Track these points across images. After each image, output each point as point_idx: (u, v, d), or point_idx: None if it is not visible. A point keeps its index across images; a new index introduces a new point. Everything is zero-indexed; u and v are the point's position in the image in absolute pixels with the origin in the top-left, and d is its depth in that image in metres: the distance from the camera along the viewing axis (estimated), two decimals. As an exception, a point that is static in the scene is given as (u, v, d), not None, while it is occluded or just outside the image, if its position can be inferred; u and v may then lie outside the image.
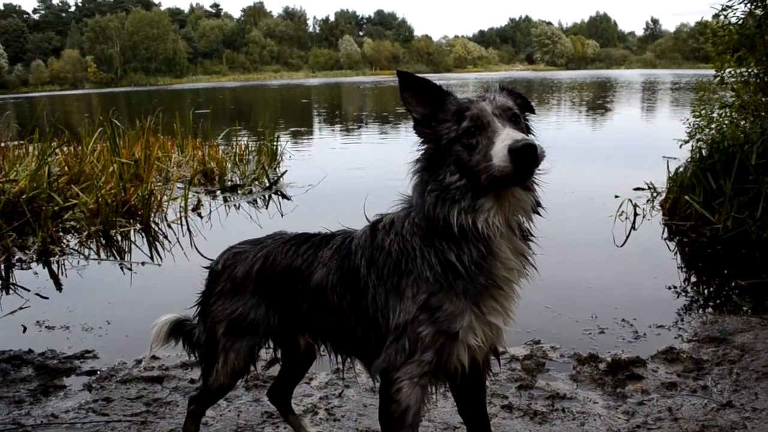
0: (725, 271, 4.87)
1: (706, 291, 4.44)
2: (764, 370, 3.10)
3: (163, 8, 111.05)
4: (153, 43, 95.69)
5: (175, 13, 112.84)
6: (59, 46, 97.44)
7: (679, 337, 3.60)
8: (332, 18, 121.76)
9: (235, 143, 10.70)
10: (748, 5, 5.97)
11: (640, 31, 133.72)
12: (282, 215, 7.05)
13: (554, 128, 16.04)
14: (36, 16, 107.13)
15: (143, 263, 5.37)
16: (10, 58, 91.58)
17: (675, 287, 4.46)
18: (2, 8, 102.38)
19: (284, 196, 8.02)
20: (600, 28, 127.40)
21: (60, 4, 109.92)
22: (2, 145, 7.92)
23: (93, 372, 3.35)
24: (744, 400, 2.85)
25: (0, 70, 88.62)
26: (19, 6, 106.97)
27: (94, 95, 56.56)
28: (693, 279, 4.75)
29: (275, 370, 3.30)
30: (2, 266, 5.29)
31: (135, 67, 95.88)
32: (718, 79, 6.49)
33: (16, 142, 8.62)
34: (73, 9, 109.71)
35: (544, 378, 3.14)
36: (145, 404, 2.99)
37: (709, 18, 6.69)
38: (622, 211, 6.38)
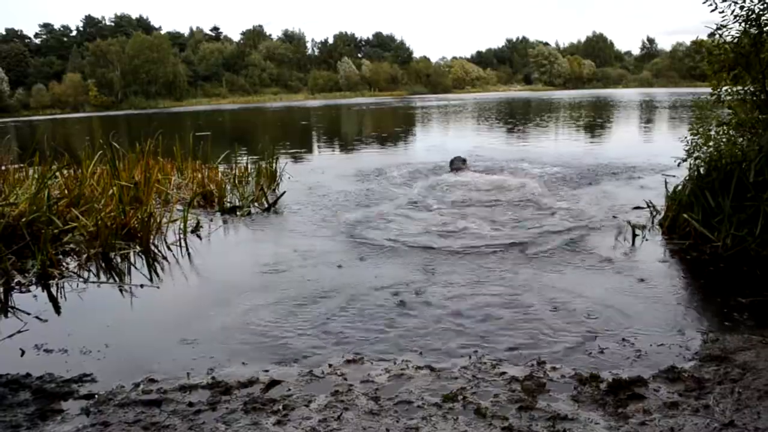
0: (725, 289, 4.85)
1: (706, 309, 4.42)
2: (766, 389, 3.08)
3: (163, 32, 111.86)
4: (153, 67, 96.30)
5: (175, 37, 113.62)
6: (60, 70, 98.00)
7: (680, 356, 3.58)
8: (331, 40, 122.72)
9: (234, 165, 10.72)
10: (743, 24, 6.02)
11: (636, 51, 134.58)
12: (281, 236, 7.05)
13: (552, 148, 16.09)
14: (38, 41, 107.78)
15: (142, 286, 5.36)
16: (11, 82, 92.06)
17: (675, 306, 4.45)
18: (4, 33, 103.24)
19: (283, 217, 8.03)
20: (596, 48, 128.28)
21: (61, 28, 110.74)
22: (3, 168, 7.93)
23: (91, 396, 3.32)
24: (746, 420, 2.83)
25: (2, 94, 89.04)
26: (21, 31, 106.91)
27: (94, 118, 56.84)
28: (693, 297, 4.74)
29: (275, 392, 3.28)
30: (1, 289, 5.27)
31: (135, 91, 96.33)
32: (715, 97, 6.54)
33: (16, 166, 8.64)
34: (74, 33, 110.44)
35: (544, 399, 3.12)
36: (143, 428, 2.96)
37: (704, 37, 6.76)
38: (622, 230, 6.38)
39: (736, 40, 6.11)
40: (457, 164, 11.31)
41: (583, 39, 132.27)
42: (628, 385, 3.19)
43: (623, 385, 3.19)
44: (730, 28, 6.12)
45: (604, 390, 3.18)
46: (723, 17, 6.08)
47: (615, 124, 25.42)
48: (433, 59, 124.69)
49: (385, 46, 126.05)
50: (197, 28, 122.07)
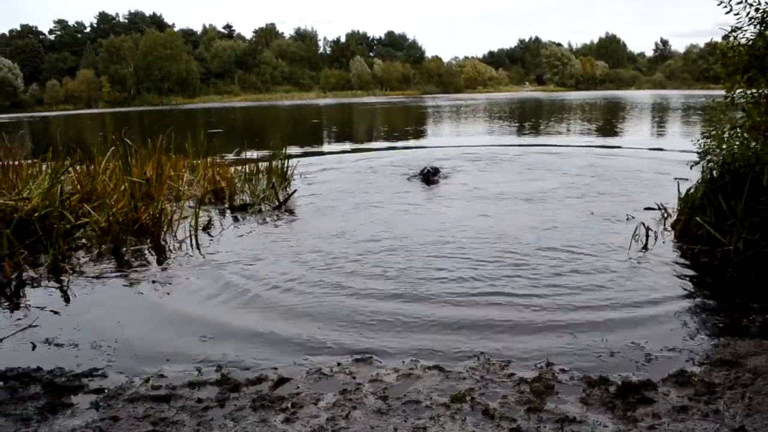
0: (737, 294, 4.82)
1: (717, 313, 4.39)
2: (777, 394, 3.05)
3: (176, 29, 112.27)
4: (166, 64, 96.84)
5: (188, 34, 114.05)
6: (74, 66, 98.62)
7: (691, 360, 3.55)
8: (343, 39, 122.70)
9: (246, 163, 10.76)
10: (758, 26, 5.97)
11: (649, 52, 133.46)
12: (291, 234, 7.06)
13: (563, 148, 16.02)
14: (52, 37, 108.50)
15: (153, 281, 5.39)
16: (25, 77, 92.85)
17: (686, 310, 4.42)
18: (19, 29, 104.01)
19: (293, 215, 8.05)
20: (609, 49, 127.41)
21: (75, 25, 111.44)
22: (16, 163, 7.99)
23: (100, 390, 3.35)
24: (757, 425, 2.80)
25: (16, 89, 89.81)
26: (36, 27, 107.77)
27: (107, 114, 57.17)
28: (704, 301, 4.71)
29: (283, 390, 3.29)
30: (13, 284, 5.32)
31: (148, 87, 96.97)
32: (729, 99, 6.47)
33: (29, 161, 8.71)
34: (88, 30, 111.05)
35: (553, 401, 3.11)
36: (152, 423, 2.98)
37: (717, 39, 6.71)
38: (635, 233, 6.35)
39: (750, 42, 6.06)
40: (429, 176, 10.51)
41: (596, 40, 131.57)
42: (637, 389, 3.18)
43: (633, 389, 3.17)
44: (745, 30, 6.07)
45: (613, 393, 3.16)
46: (738, 19, 6.03)
47: (627, 126, 25.28)
48: (445, 59, 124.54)
49: (397, 46, 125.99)
50: (210, 25, 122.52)
